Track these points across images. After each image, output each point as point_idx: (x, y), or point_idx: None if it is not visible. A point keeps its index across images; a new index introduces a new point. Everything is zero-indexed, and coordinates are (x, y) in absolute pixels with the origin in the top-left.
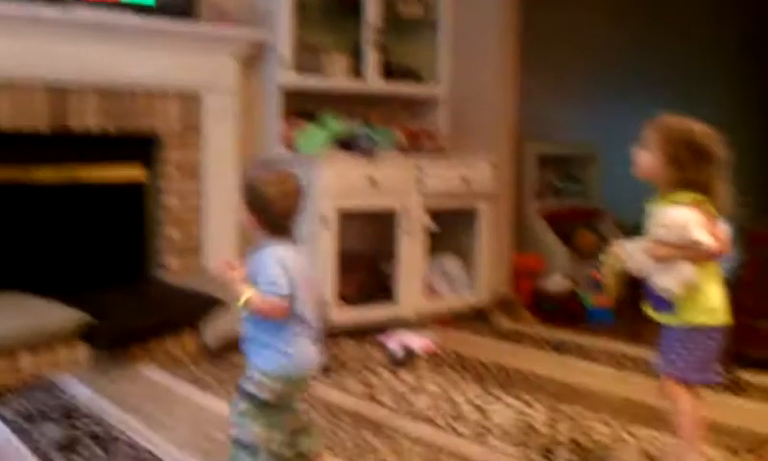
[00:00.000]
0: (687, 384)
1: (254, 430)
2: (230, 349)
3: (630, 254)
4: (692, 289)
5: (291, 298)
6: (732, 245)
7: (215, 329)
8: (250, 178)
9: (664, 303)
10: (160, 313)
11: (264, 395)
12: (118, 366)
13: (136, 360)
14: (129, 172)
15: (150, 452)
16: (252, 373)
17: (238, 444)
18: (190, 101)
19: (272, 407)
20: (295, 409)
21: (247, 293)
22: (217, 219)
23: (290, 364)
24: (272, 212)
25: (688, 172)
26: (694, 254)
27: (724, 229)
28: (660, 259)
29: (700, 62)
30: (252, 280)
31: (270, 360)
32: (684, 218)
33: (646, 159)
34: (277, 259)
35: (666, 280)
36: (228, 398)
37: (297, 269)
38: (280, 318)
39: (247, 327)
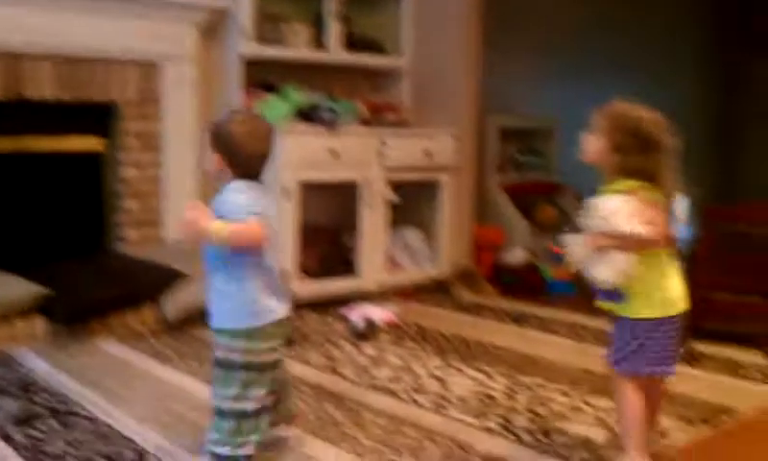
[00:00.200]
0: (638, 377)
1: (232, 393)
2: (191, 322)
3: (569, 246)
4: (630, 278)
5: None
6: (690, 222)
7: (175, 302)
8: (220, 120)
9: (612, 294)
10: (119, 286)
11: (234, 357)
12: (76, 340)
13: (95, 334)
14: (86, 143)
15: (109, 426)
16: (218, 338)
17: (218, 411)
18: (149, 70)
19: (245, 367)
20: (271, 364)
21: (217, 225)
22: (177, 190)
23: (253, 316)
24: (241, 153)
25: (633, 160)
26: (631, 244)
27: (681, 208)
28: (596, 251)
29: (666, 43)
30: (219, 217)
31: (233, 316)
32: (614, 208)
33: (593, 145)
34: (244, 192)
35: (602, 271)
36: (188, 371)
37: (262, 205)
38: (256, 244)
39: (211, 277)
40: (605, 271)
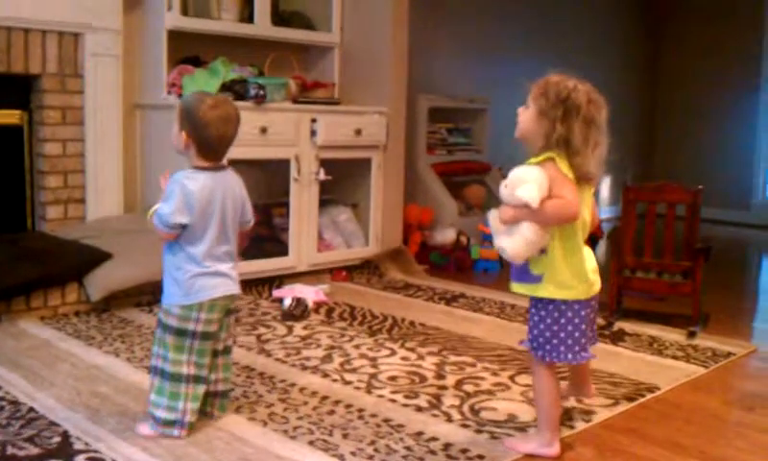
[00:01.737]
0: (552, 363)
1: (169, 356)
2: (115, 302)
3: (489, 219)
4: (535, 250)
5: (188, 226)
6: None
7: (99, 283)
8: (189, 98)
9: (527, 275)
10: (42, 266)
11: (171, 321)
12: None
13: (17, 315)
14: (5, 117)
15: (32, 409)
16: (163, 301)
17: (155, 370)
18: (71, 41)
19: (182, 333)
20: (212, 334)
21: (152, 209)
22: (101, 167)
23: (185, 292)
24: (206, 134)
25: (557, 125)
26: (531, 215)
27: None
28: (506, 223)
29: (602, 24)
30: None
31: (170, 288)
32: (519, 177)
33: (524, 116)
34: (181, 186)
35: (503, 240)
36: (113, 352)
37: (206, 197)
38: (166, 239)
39: (163, 249)
40: (505, 240)
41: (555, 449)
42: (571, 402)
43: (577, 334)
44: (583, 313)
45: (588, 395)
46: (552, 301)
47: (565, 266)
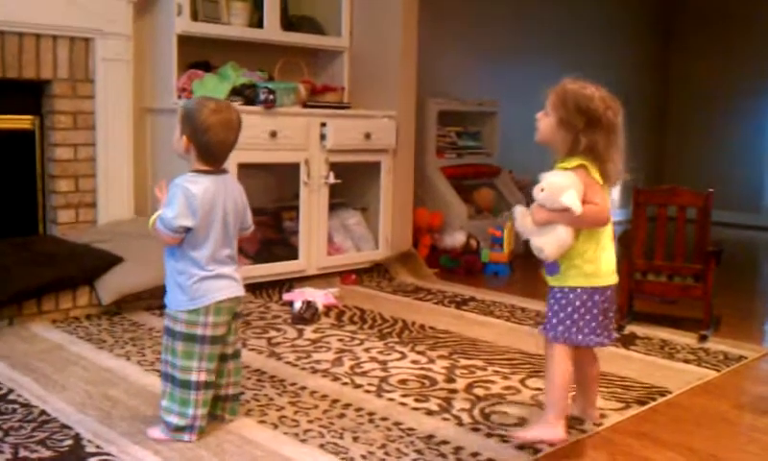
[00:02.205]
0: (570, 345)
1: (178, 363)
2: (126, 305)
3: (517, 217)
4: (567, 250)
5: (192, 229)
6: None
7: (110, 286)
8: (191, 103)
9: (553, 267)
10: (53, 270)
11: (179, 327)
12: (10, 324)
13: (29, 318)
14: (17, 122)
15: (44, 412)
16: (168, 308)
17: (166, 377)
18: (82, 46)
19: (191, 338)
20: (220, 337)
21: (154, 216)
22: (112, 171)
23: (191, 297)
24: (207, 139)
25: (581, 136)
26: (570, 219)
27: (610, 194)
28: (538, 223)
29: (612, 26)
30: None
31: (175, 294)
32: (558, 183)
33: (543, 123)
34: (184, 190)
35: (540, 241)
36: (124, 355)
37: (209, 200)
38: (170, 243)
39: (165, 255)
40: (542, 241)
41: (558, 433)
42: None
43: (589, 317)
44: (597, 298)
45: (592, 419)
46: (571, 286)
47: (585, 257)
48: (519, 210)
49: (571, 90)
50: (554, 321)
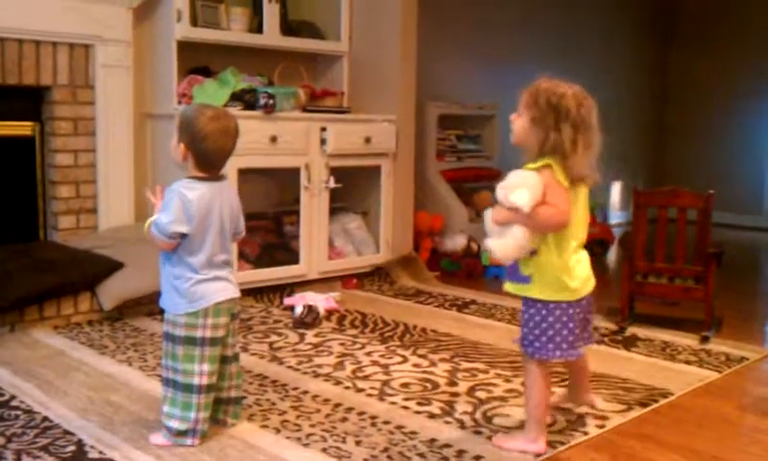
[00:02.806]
0: (547, 362)
1: (179, 367)
2: (127, 311)
3: (485, 217)
4: (523, 253)
5: (188, 235)
6: (621, 206)
7: (111, 292)
8: (189, 110)
9: (518, 275)
10: (54, 276)
11: (178, 331)
12: (11, 330)
13: (30, 324)
14: (17, 128)
15: (47, 419)
16: (167, 313)
17: (167, 382)
18: (81, 52)
19: (191, 341)
20: (220, 339)
21: (149, 221)
22: (113, 177)
23: (189, 300)
24: (204, 146)
25: (550, 134)
26: (523, 219)
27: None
28: (497, 223)
29: (612, 29)
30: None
31: (173, 298)
32: (513, 182)
33: (517, 124)
34: (180, 196)
35: (492, 242)
36: (125, 360)
37: (205, 206)
38: (164, 248)
39: (160, 259)
40: (494, 242)
41: (540, 446)
42: (583, 409)
43: (565, 332)
44: (571, 312)
45: (589, 403)
46: (540, 300)
47: (554, 269)
48: (488, 211)
49: (543, 88)
50: (530, 338)
